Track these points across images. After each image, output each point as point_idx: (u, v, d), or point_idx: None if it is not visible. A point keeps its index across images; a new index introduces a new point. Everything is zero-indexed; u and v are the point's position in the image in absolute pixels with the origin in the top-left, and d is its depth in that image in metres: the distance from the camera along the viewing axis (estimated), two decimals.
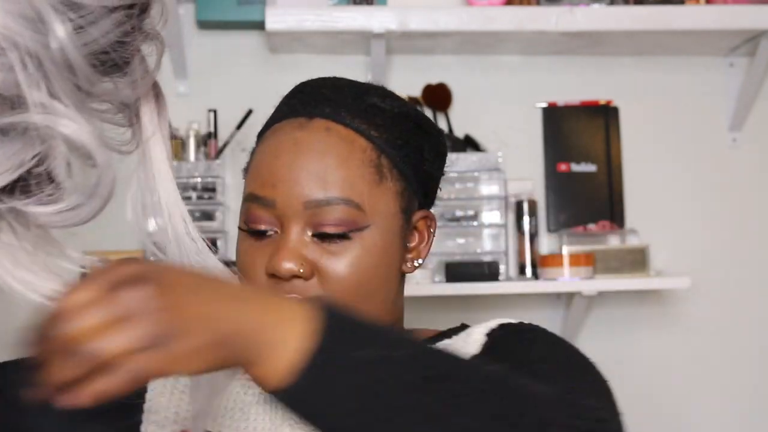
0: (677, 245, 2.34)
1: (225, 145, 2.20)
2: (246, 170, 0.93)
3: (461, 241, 2.22)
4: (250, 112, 2.16)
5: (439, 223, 2.21)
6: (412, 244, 0.93)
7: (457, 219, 2.22)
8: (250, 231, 0.89)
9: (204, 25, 2.26)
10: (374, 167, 0.88)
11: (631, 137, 2.36)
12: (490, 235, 2.22)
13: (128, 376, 0.54)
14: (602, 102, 2.36)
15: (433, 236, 0.96)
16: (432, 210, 0.97)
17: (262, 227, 0.88)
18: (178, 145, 2.18)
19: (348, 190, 0.87)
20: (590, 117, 2.35)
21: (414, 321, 1.02)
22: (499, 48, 2.29)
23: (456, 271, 2.11)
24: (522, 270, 2.23)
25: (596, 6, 2.16)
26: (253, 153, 0.93)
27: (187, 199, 2.15)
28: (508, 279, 2.21)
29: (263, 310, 0.59)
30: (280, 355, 0.58)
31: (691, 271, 2.25)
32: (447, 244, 2.21)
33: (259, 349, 0.58)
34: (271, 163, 0.89)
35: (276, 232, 0.88)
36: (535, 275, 2.20)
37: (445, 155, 0.98)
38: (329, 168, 0.87)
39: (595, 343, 2.31)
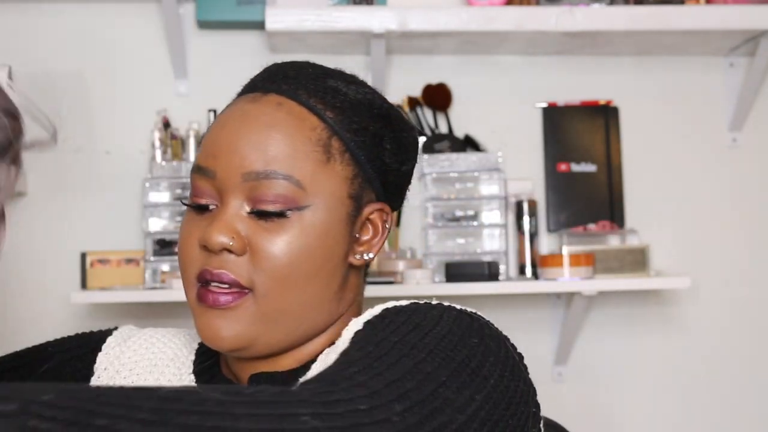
0: (677, 245, 2.34)
1: None
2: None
3: (461, 241, 2.22)
4: None
5: (439, 223, 2.24)
6: (365, 237, 0.89)
7: (457, 219, 2.22)
8: (193, 206, 0.87)
9: (204, 25, 2.26)
10: (322, 147, 0.84)
11: (631, 137, 2.36)
12: (490, 235, 2.22)
13: None
14: (602, 102, 2.36)
15: (388, 232, 0.91)
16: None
17: (203, 201, 0.86)
18: (178, 145, 2.18)
19: (289, 166, 0.83)
20: (590, 117, 2.35)
21: None
22: (499, 48, 2.29)
23: (456, 271, 2.10)
24: (522, 270, 2.23)
25: (596, 6, 2.16)
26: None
27: (186, 198, 2.15)
28: (508, 279, 2.21)
29: None
30: None
31: (691, 271, 2.25)
32: (447, 244, 2.21)
33: None
34: (215, 134, 0.86)
35: (217, 206, 0.86)
36: (535, 275, 2.20)
37: (411, 150, 0.93)
38: (273, 141, 0.83)
39: (595, 343, 2.32)
